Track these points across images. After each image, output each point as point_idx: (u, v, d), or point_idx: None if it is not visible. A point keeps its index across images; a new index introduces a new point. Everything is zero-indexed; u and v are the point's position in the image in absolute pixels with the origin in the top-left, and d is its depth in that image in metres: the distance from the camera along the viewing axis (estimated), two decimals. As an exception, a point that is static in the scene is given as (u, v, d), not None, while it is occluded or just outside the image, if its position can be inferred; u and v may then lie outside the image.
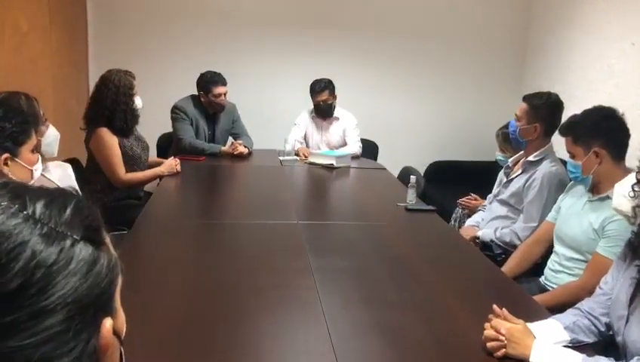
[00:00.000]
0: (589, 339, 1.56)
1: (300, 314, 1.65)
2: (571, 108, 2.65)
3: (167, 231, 2.40)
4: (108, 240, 0.61)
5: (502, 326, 1.46)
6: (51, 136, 2.13)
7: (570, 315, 1.60)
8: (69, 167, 2.27)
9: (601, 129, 2.11)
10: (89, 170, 3.22)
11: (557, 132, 2.70)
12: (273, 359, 1.44)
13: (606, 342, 1.59)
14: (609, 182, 2.16)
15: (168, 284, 1.82)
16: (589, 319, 1.58)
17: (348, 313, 1.68)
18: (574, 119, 2.19)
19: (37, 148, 1.90)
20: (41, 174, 2.13)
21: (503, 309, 1.52)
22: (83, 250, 0.55)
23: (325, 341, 1.49)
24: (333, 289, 1.82)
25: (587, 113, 2.18)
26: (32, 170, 1.60)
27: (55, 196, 0.58)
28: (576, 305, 1.64)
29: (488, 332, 1.48)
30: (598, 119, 2.13)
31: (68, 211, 0.56)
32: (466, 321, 1.66)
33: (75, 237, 0.55)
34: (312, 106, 4.30)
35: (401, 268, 2.09)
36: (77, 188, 2.05)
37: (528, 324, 1.51)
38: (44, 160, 2.09)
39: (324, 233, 2.47)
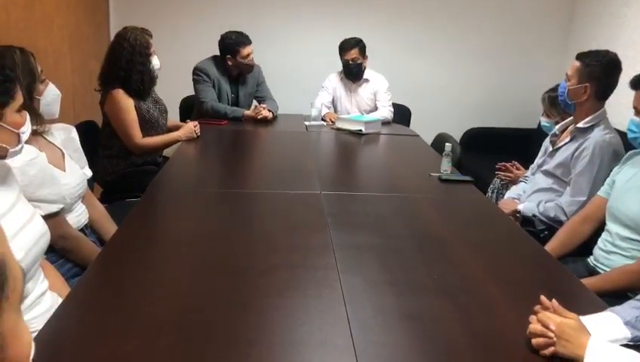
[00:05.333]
0: (654, 337, 1.32)
1: (316, 298, 1.46)
2: (624, 71, 2.36)
3: (179, 200, 2.23)
4: None
5: (551, 320, 1.24)
6: (50, 95, 1.95)
7: (631, 308, 1.35)
8: (73, 130, 2.10)
9: None
10: (104, 134, 3.06)
11: (613, 94, 2.43)
12: (279, 351, 1.24)
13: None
14: (675, 151, 1.89)
15: (171, 261, 1.65)
16: (654, 313, 1.34)
17: (370, 297, 1.48)
18: None
19: (30, 108, 1.73)
20: (44, 138, 1.97)
21: (553, 301, 1.29)
22: None
23: (344, 331, 1.30)
24: (355, 270, 1.62)
25: None
26: (18, 133, 1.42)
27: None
28: (639, 296, 1.40)
29: (534, 326, 1.26)
30: None
31: None
32: (508, 311, 1.44)
33: None
34: (341, 69, 4.07)
35: (432, 246, 1.87)
36: (81, 151, 1.85)
37: (581, 318, 1.29)
38: (44, 121, 1.92)
39: (349, 205, 2.26)
